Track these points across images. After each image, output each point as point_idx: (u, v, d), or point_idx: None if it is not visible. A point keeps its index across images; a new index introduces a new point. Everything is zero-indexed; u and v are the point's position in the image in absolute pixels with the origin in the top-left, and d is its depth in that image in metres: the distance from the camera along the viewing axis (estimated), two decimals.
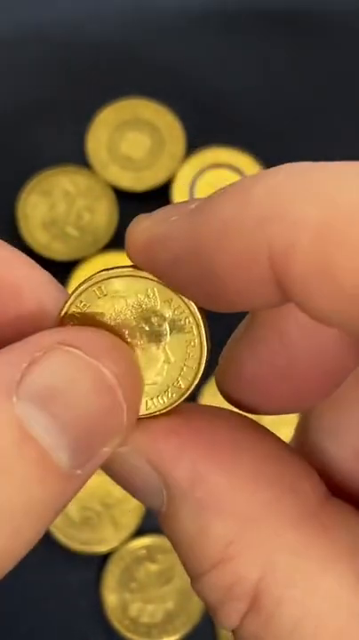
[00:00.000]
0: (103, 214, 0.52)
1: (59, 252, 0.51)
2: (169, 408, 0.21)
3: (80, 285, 0.21)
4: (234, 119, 0.54)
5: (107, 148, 0.53)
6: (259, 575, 0.20)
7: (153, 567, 0.46)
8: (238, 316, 0.22)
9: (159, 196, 0.52)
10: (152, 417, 0.21)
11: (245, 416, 0.22)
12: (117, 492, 0.47)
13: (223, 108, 0.55)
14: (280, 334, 0.21)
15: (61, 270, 0.50)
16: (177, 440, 0.20)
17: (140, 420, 0.21)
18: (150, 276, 0.21)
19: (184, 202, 0.20)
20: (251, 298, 0.19)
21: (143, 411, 0.21)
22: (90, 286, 0.21)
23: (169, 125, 0.54)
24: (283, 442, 0.22)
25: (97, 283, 0.21)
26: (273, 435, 0.21)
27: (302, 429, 0.23)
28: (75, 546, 0.46)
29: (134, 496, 0.21)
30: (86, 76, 0.55)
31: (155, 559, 0.46)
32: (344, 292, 0.17)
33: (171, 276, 0.20)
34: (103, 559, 0.47)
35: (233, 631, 0.21)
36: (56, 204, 0.52)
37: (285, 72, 0.56)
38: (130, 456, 0.21)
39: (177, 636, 0.45)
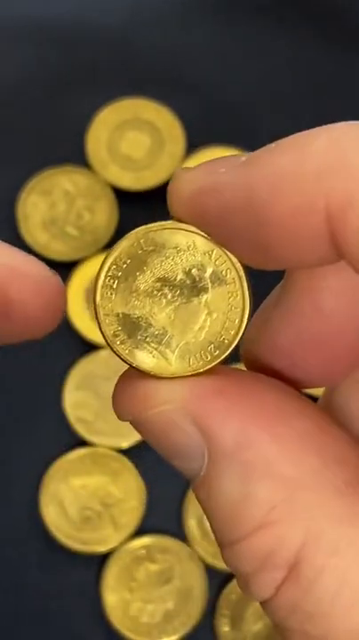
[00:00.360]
0: (103, 214, 0.52)
1: (58, 251, 0.51)
2: (213, 364, 0.21)
3: (120, 242, 0.21)
4: (234, 119, 0.54)
5: (107, 147, 0.53)
6: (301, 541, 0.19)
7: (153, 567, 0.46)
8: (267, 284, 0.21)
9: (159, 196, 0.52)
10: (197, 374, 0.21)
11: (289, 386, 0.21)
12: (117, 491, 0.47)
13: (223, 107, 0.55)
14: (315, 302, 0.21)
15: (61, 270, 0.50)
16: (226, 401, 0.20)
17: (185, 378, 0.20)
18: (191, 228, 0.20)
19: (231, 155, 0.20)
20: (303, 253, 0.19)
21: (186, 368, 0.21)
22: (130, 242, 0.21)
23: (169, 125, 0.54)
24: (326, 413, 0.21)
25: (137, 238, 0.21)
26: (316, 405, 0.21)
27: (327, 402, 0.23)
28: (75, 545, 0.46)
29: (171, 459, 0.21)
30: (86, 75, 0.55)
31: (155, 559, 0.46)
32: None
33: (219, 228, 0.20)
34: (103, 559, 0.47)
35: (264, 602, 0.20)
36: (56, 203, 0.52)
37: (286, 72, 0.56)
38: (175, 414, 0.20)
39: (177, 636, 0.45)
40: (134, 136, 0.54)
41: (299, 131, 0.19)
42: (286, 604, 0.20)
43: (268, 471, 0.20)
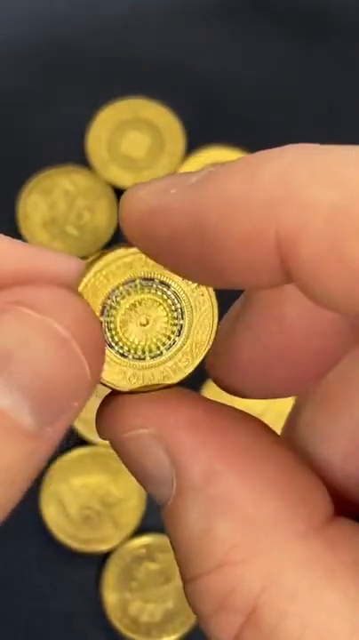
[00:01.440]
0: (103, 214, 0.52)
1: (59, 251, 0.51)
2: (163, 388, 0.21)
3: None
4: (234, 119, 0.54)
5: (107, 147, 0.53)
6: (261, 585, 0.19)
7: (153, 566, 0.46)
8: (229, 296, 0.22)
9: None
10: (156, 389, 0.21)
11: (262, 422, 0.21)
12: (117, 491, 0.47)
13: (223, 107, 0.55)
14: (277, 315, 0.21)
15: None
16: (199, 434, 0.20)
17: (158, 397, 0.21)
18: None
19: (182, 174, 0.19)
20: (253, 277, 0.18)
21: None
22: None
23: (169, 125, 0.54)
24: (295, 452, 0.21)
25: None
26: (286, 444, 0.21)
27: (290, 432, 0.23)
28: (75, 545, 0.46)
29: (142, 483, 0.21)
30: (86, 75, 0.55)
31: (155, 558, 0.46)
32: (356, 276, 0.17)
33: (169, 252, 0.20)
34: (103, 558, 0.47)
35: None
36: (56, 203, 0.52)
37: (287, 72, 0.56)
38: (148, 440, 0.20)
39: (176, 636, 0.45)
40: (134, 136, 0.54)
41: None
42: None
43: (230, 508, 0.20)
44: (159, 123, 0.54)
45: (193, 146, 0.53)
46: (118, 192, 0.53)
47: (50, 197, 0.52)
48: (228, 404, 0.21)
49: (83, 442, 0.48)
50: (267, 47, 0.56)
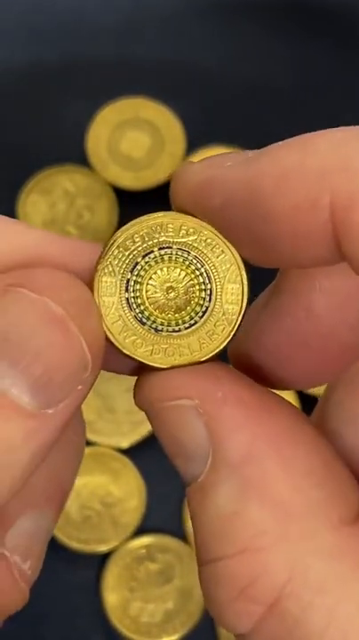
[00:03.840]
0: (103, 213, 0.52)
1: None
2: (209, 356, 0.21)
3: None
4: (234, 119, 0.54)
5: (108, 147, 0.53)
6: (287, 575, 0.18)
7: (153, 566, 0.46)
8: (258, 286, 0.21)
9: (159, 196, 0.52)
10: (194, 364, 0.20)
11: (302, 412, 0.21)
12: (117, 491, 0.47)
13: (223, 107, 0.55)
14: (305, 304, 0.21)
15: None
16: (243, 411, 0.19)
17: (203, 370, 0.20)
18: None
19: (237, 151, 0.20)
20: (303, 250, 0.18)
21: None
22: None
23: (169, 125, 0.54)
24: (332, 446, 0.21)
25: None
26: (325, 438, 0.21)
27: (320, 416, 0.22)
28: (75, 545, 0.46)
29: (175, 457, 0.20)
30: (86, 75, 0.55)
31: (156, 558, 0.46)
32: None
33: (222, 222, 0.20)
34: (103, 558, 0.47)
35: (239, 636, 0.19)
36: (56, 203, 0.52)
37: (286, 72, 0.56)
38: (189, 411, 0.20)
39: (177, 636, 0.45)
40: (134, 136, 0.54)
41: (299, 131, 0.19)
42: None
43: (266, 491, 0.19)
44: (159, 123, 0.54)
45: (193, 146, 0.53)
46: (118, 192, 0.53)
47: (50, 197, 0.52)
48: None
49: None
50: (267, 47, 0.56)
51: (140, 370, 0.21)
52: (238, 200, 0.19)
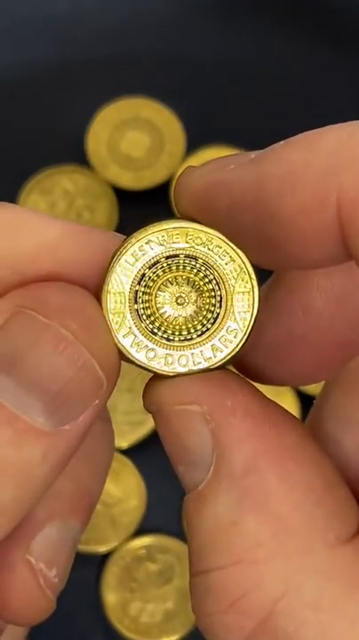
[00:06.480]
0: (103, 213, 0.52)
1: None
2: (217, 365, 0.21)
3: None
4: (234, 119, 0.54)
5: (107, 147, 0.53)
6: (281, 590, 0.18)
7: (153, 567, 0.46)
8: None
9: (159, 196, 0.52)
10: (202, 371, 0.20)
11: (306, 427, 0.21)
12: (117, 491, 0.47)
13: (223, 107, 0.55)
14: (303, 302, 0.21)
15: None
16: (250, 422, 0.19)
17: (213, 377, 0.20)
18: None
19: (240, 153, 0.20)
20: (311, 251, 0.18)
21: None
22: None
23: (169, 125, 0.54)
24: (333, 463, 0.21)
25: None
26: (328, 456, 0.21)
27: (316, 420, 0.22)
28: None
29: (178, 463, 0.20)
30: (86, 75, 0.55)
31: (155, 559, 0.46)
32: None
33: (227, 226, 0.20)
34: (103, 559, 0.47)
35: None
36: (56, 203, 0.52)
37: (286, 72, 0.56)
38: (197, 417, 0.20)
39: (176, 636, 0.45)
40: (134, 136, 0.54)
41: (300, 131, 0.19)
42: None
43: (265, 505, 0.19)
44: (159, 123, 0.54)
45: (193, 146, 0.53)
46: (118, 192, 0.52)
47: (50, 197, 0.52)
48: None
49: None
50: (267, 47, 0.56)
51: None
52: (244, 203, 0.19)
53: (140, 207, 0.51)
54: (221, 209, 0.19)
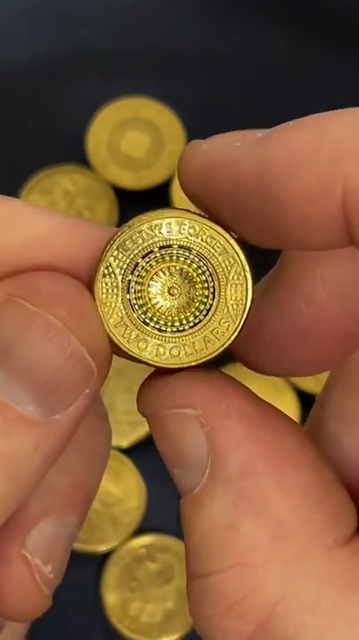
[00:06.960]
0: (103, 213, 0.52)
1: None
2: (210, 356, 0.20)
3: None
4: (234, 119, 0.54)
5: (107, 146, 0.53)
6: (280, 594, 0.18)
7: (153, 566, 0.46)
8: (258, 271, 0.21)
9: (159, 195, 0.52)
10: (196, 365, 0.20)
11: (304, 430, 0.21)
12: (117, 491, 0.47)
13: (223, 107, 0.55)
14: (306, 293, 0.20)
15: None
16: (246, 426, 0.19)
17: (208, 380, 0.20)
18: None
19: (246, 130, 0.19)
20: (312, 235, 0.18)
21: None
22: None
23: (169, 124, 0.54)
24: (332, 467, 0.21)
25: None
26: (327, 459, 0.21)
27: (317, 418, 0.22)
28: (75, 544, 0.46)
29: (173, 466, 0.20)
30: (86, 75, 0.55)
31: (155, 558, 0.46)
32: None
33: (229, 204, 0.19)
34: (103, 558, 0.47)
35: None
36: (56, 202, 0.52)
37: (286, 71, 0.56)
38: (191, 421, 0.20)
39: (176, 636, 0.45)
40: (134, 135, 0.54)
41: None
42: None
43: (262, 508, 0.19)
44: (159, 122, 0.54)
45: None
46: (118, 192, 0.53)
47: (50, 197, 0.52)
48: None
49: None
50: (267, 47, 0.56)
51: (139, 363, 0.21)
52: (247, 183, 0.19)
53: (140, 207, 0.51)
54: (224, 188, 0.19)
